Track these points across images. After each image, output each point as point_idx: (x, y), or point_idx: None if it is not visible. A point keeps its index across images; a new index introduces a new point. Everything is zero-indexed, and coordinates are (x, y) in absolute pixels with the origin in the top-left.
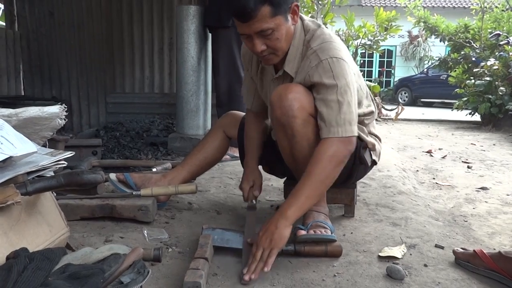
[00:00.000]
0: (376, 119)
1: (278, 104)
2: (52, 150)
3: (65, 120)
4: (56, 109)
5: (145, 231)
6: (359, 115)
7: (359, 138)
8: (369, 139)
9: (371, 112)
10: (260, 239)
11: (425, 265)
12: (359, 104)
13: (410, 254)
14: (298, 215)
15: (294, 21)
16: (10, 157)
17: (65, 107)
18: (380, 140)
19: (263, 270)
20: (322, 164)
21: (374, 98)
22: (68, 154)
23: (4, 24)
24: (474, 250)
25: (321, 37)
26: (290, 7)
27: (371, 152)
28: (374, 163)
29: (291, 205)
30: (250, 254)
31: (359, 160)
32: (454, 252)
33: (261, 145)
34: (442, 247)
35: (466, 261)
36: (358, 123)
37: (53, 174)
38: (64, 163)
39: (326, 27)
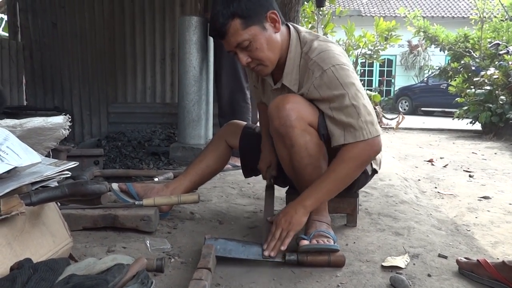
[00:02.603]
0: None
1: (275, 114)
2: (56, 160)
3: (69, 130)
4: (60, 120)
5: (148, 241)
6: None
7: None
8: None
9: None
10: (280, 220)
11: (429, 275)
12: None
13: (414, 264)
14: (315, 206)
15: (275, 29)
16: (15, 167)
17: (69, 118)
18: None
19: (281, 249)
20: (346, 162)
21: (375, 107)
22: (72, 164)
23: (7, 34)
24: (477, 260)
25: (318, 47)
26: (266, 16)
27: (372, 161)
28: (374, 171)
29: (310, 196)
30: (269, 232)
31: None
32: (457, 261)
33: None
34: (445, 257)
35: (470, 271)
36: None
37: (57, 184)
38: (68, 173)
39: (327, 37)
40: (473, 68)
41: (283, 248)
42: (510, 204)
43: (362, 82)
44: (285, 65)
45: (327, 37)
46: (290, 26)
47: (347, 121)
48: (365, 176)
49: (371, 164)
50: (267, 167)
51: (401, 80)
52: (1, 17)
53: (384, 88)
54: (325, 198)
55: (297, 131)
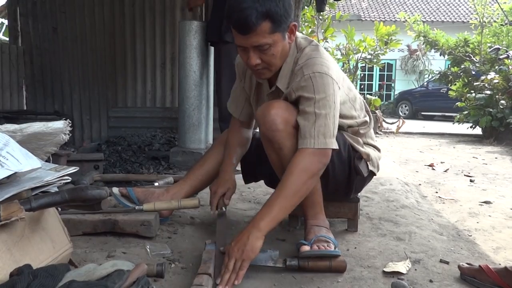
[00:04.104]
0: (377, 133)
1: (262, 120)
2: (56, 165)
3: (69, 135)
4: (60, 125)
5: (148, 246)
6: (353, 126)
7: (354, 149)
8: (364, 149)
9: (365, 122)
10: (232, 249)
11: (431, 281)
12: (351, 116)
13: (415, 270)
14: (271, 226)
15: (290, 39)
16: (15, 173)
17: (69, 122)
18: (379, 150)
19: (234, 283)
20: (294, 176)
21: (375, 111)
22: (72, 169)
23: (7, 39)
24: (479, 266)
25: (308, 54)
26: (289, 26)
27: (367, 162)
28: (372, 173)
29: (264, 216)
30: (222, 264)
31: (355, 171)
32: (459, 267)
33: (240, 156)
34: (447, 262)
35: (472, 277)
36: (353, 134)
37: (57, 189)
38: (68, 179)
39: (327, 42)
40: (473, 72)
41: (237, 282)
42: (511, 209)
43: (362, 86)
44: (281, 69)
45: (327, 41)
46: None
47: (302, 125)
48: (362, 178)
49: (367, 165)
50: (223, 194)
51: (401, 85)
52: (2, 22)
53: (384, 92)
54: (280, 216)
55: (283, 134)
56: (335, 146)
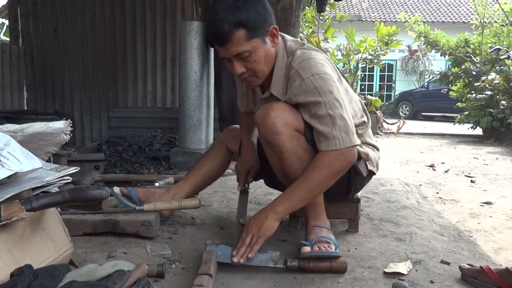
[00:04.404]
0: (378, 133)
1: (261, 123)
2: (57, 165)
3: (70, 135)
4: (61, 125)
5: (148, 247)
6: None
7: None
8: (363, 149)
9: (364, 123)
10: (251, 225)
11: (432, 282)
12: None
13: (416, 270)
14: (287, 213)
15: (274, 43)
16: (16, 173)
17: (70, 123)
18: (377, 149)
19: (248, 256)
20: (319, 170)
21: (376, 112)
22: (73, 169)
23: (8, 39)
24: (480, 266)
25: (301, 56)
26: (268, 30)
27: (366, 162)
28: (371, 173)
29: (283, 202)
30: (240, 236)
31: (354, 171)
32: (460, 268)
33: (256, 137)
34: (448, 263)
35: (473, 278)
36: None
37: (57, 189)
38: (69, 179)
39: (327, 42)
40: (474, 73)
41: (250, 255)
42: None
43: (362, 87)
44: (273, 75)
45: (328, 42)
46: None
47: (321, 130)
48: (361, 178)
49: (366, 165)
50: (247, 172)
51: (401, 85)
52: (2, 22)
53: (385, 92)
54: (297, 205)
55: (284, 137)
56: (359, 141)
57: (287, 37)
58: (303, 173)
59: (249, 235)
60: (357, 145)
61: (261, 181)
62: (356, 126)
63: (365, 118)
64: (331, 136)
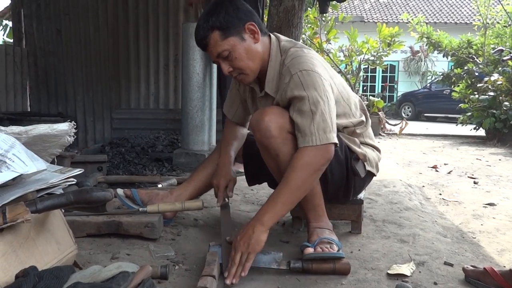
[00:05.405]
0: (380, 134)
1: (256, 128)
2: (61, 167)
3: (74, 137)
4: (65, 126)
5: (152, 248)
6: (349, 127)
7: (350, 150)
8: (360, 150)
9: (362, 122)
10: (238, 242)
11: (435, 283)
12: (345, 115)
13: (419, 272)
14: (274, 221)
15: (255, 39)
16: (21, 174)
17: (74, 125)
18: (378, 150)
19: (241, 275)
20: (297, 171)
21: (378, 113)
22: (77, 171)
23: (12, 41)
24: (484, 268)
25: (293, 54)
26: (244, 27)
27: (365, 163)
28: (371, 174)
29: (267, 211)
30: (229, 256)
31: (352, 171)
32: (464, 269)
33: (236, 149)
34: (451, 265)
35: (477, 279)
36: (349, 134)
37: (62, 191)
38: (73, 181)
39: (330, 43)
40: (477, 74)
41: (243, 274)
42: None
43: (364, 88)
44: (267, 73)
45: (330, 43)
46: (272, 36)
47: (300, 125)
48: (360, 179)
49: (364, 166)
50: (225, 186)
51: (404, 86)
52: (6, 24)
53: (387, 93)
54: (283, 210)
55: (279, 140)
56: (336, 140)
57: (282, 37)
58: (283, 177)
59: (238, 253)
60: (334, 143)
61: (265, 184)
62: (354, 125)
63: (363, 118)
64: (308, 132)
